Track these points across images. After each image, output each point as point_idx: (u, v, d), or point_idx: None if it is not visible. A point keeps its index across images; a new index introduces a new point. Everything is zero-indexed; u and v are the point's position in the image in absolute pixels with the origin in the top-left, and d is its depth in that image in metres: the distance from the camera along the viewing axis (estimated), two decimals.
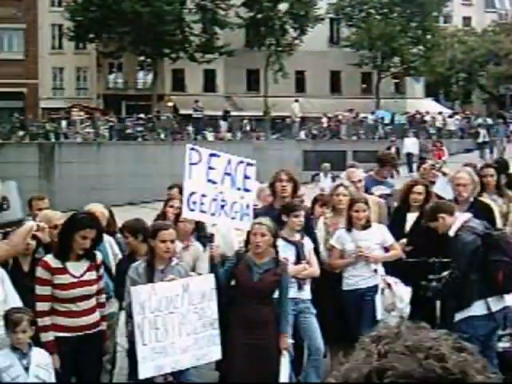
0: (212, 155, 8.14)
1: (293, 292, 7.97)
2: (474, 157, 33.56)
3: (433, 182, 10.46)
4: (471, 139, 46.00)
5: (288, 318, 7.63)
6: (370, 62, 56.45)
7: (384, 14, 55.54)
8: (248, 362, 7.18)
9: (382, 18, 55.13)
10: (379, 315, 8.18)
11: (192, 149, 8.06)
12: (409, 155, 35.83)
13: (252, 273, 7.49)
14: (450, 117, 52.58)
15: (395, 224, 9.13)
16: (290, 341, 7.60)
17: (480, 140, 40.36)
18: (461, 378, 1.21)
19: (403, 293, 8.19)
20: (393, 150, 30.03)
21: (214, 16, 49.68)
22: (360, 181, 10.02)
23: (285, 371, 7.27)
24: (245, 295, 7.37)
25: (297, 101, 47.79)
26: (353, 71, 58.16)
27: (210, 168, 8.08)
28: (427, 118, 50.28)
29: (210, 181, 8.09)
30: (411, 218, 9.10)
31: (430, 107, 56.64)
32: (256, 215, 8.57)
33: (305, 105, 49.81)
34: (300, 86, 59.45)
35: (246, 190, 8.36)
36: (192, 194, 7.96)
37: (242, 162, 8.35)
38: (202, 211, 8.00)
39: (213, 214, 8.09)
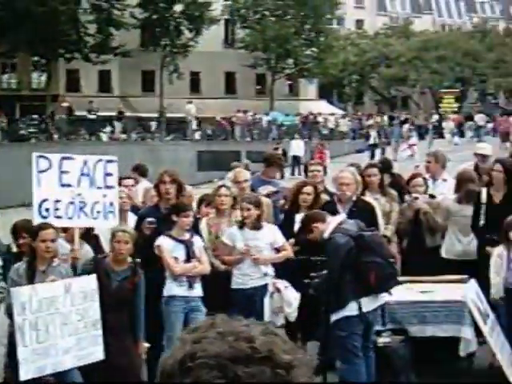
0: (64, 158, 8.13)
1: (183, 290, 8.08)
2: (364, 157, 34.28)
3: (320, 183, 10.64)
4: (362, 140, 47.02)
5: (141, 325, 7.74)
6: (264, 63, 56.72)
7: (278, 16, 55.79)
8: (109, 365, 7.28)
9: (277, 20, 55.39)
10: (266, 317, 8.27)
11: (40, 156, 8.06)
12: (295, 158, 36.04)
13: (110, 279, 7.64)
14: (342, 118, 53.56)
15: (285, 224, 9.22)
16: (146, 345, 7.79)
17: (371, 142, 41.13)
18: (268, 355, 1.35)
19: (292, 298, 8.30)
20: (279, 151, 30.31)
21: (109, 16, 49.02)
22: (246, 181, 10.07)
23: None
24: (105, 301, 7.41)
25: (190, 102, 47.86)
26: (247, 72, 58.46)
27: (63, 172, 8.05)
28: (320, 119, 51.07)
29: (63, 185, 8.06)
30: (300, 218, 9.00)
31: (323, 108, 57.59)
32: (141, 215, 8.78)
33: (200, 106, 49.92)
34: (195, 86, 59.40)
35: (108, 187, 8.36)
36: (43, 201, 7.95)
37: (100, 160, 8.34)
38: (58, 216, 7.96)
39: (70, 218, 8.08)
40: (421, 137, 44.03)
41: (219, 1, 55.28)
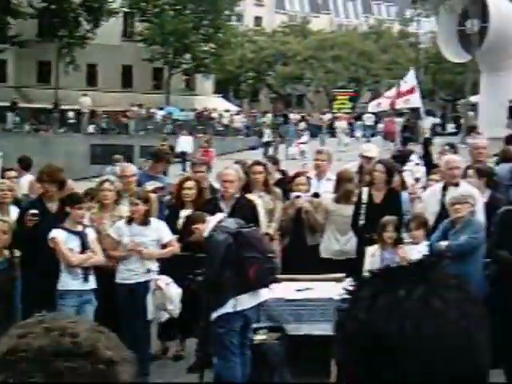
0: None
1: (78, 284, 8.09)
2: (258, 154, 34.47)
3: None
4: (256, 137, 47.36)
5: (17, 317, 7.70)
6: (161, 57, 56.53)
7: (177, 10, 55.58)
8: None
9: (175, 15, 55.15)
10: (150, 314, 8.35)
11: None
12: (183, 153, 35.67)
13: None
14: (237, 114, 53.81)
15: (169, 220, 9.21)
16: None
17: (265, 139, 41.37)
18: (90, 351, 1.37)
19: (174, 294, 8.31)
20: (166, 147, 30.08)
21: (7, 5, 48.04)
22: (133, 175, 10.11)
23: None
24: None
25: (85, 95, 47.32)
26: (144, 66, 58.09)
27: None
28: (214, 115, 51.22)
29: None
30: (185, 214, 9.12)
31: (219, 104, 57.74)
32: (24, 208, 8.73)
33: (96, 98, 49.40)
34: (92, 79, 58.61)
35: None
36: None
37: None
38: None
39: None
40: (314, 136, 44.51)
41: None
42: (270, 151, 37.89)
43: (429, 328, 1.35)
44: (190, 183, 9.51)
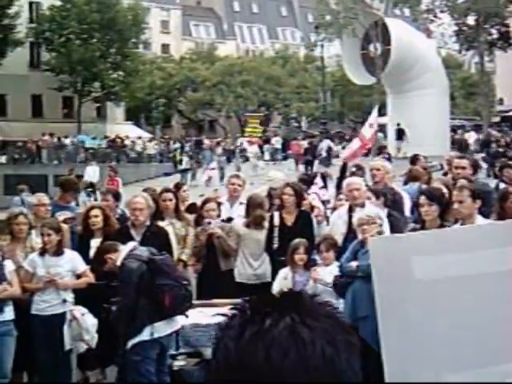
0: None
1: None
2: (173, 180, 34.32)
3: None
4: (170, 163, 47.33)
5: None
6: (70, 86, 56.09)
7: (84, 39, 55.29)
8: None
9: (82, 43, 54.86)
10: (67, 345, 8.26)
11: None
12: (91, 184, 34.36)
13: None
14: (150, 141, 53.74)
15: (80, 250, 9.05)
16: None
17: (183, 166, 41.10)
18: None
19: (90, 325, 8.25)
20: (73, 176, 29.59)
21: None
22: (44, 205, 10.00)
23: None
24: None
25: None
26: (54, 95, 57.57)
27: None
28: (127, 142, 51.07)
29: None
30: (95, 243, 9.13)
31: (131, 132, 57.58)
32: None
33: (6, 129, 48.69)
34: (1, 109, 57.91)
35: None
36: None
37: None
38: None
39: None
40: (228, 160, 44.75)
41: (23, 23, 54.24)
42: (188, 178, 37.87)
43: (294, 356, 1.42)
44: (95, 211, 9.46)
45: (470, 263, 3.84)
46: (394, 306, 3.96)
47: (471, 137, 36.72)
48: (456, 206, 7.69)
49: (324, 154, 40.02)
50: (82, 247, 9.21)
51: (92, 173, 35.78)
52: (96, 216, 9.37)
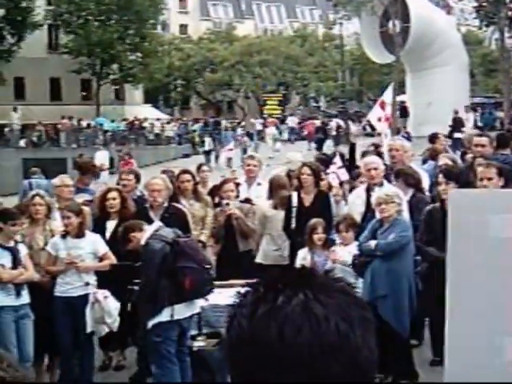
0: None
1: (12, 300, 8.01)
2: (191, 162, 34.22)
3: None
4: (189, 144, 47.36)
5: None
6: (89, 68, 56.15)
7: (102, 21, 55.26)
8: None
9: (100, 25, 54.86)
10: (89, 328, 8.30)
11: None
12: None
13: None
14: (168, 123, 53.77)
15: (96, 232, 9.03)
16: None
17: (206, 148, 40.90)
18: None
19: (112, 308, 8.29)
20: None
21: None
22: (68, 186, 10.02)
23: None
24: None
25: (15, 109, 46.80)
26: (72, 78, 57.57)
27: None
28: (146, 124, 51.11)
29: None
30: (111, 225, 9.18)
31: (149, 113, 57.51)
32: None
33: (25, 112, 48.87)
34: (19, 93, 57.92)
35: None
36: None
37: None
38: None
39: None
40: (251, 139, 44.52)
41: (42, 6, 54.27)
42: (212, 160, 37.64)
43: (308, 333, 1.41)
44: (113, 194, 9.44)
45: None
46: (464, 259, 3.94)
47: (469, 118, 36.25)
48: (485, 182, 7.67)
49: (334, 132, 40.08)
50: (97, 229, 9.21)
51: (102, 157, 35.68)
52: (114, 198, 9.36)
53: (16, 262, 8.19)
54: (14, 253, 8.21)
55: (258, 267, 9.80)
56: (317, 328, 1.42)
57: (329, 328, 1.42)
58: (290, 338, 1.41)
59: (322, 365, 1.42)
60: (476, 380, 3.69)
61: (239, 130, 46.80)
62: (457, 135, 27.89)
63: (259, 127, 48.00)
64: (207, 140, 41.36)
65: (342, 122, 41.88)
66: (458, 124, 33.47)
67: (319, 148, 37.35)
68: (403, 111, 41.69)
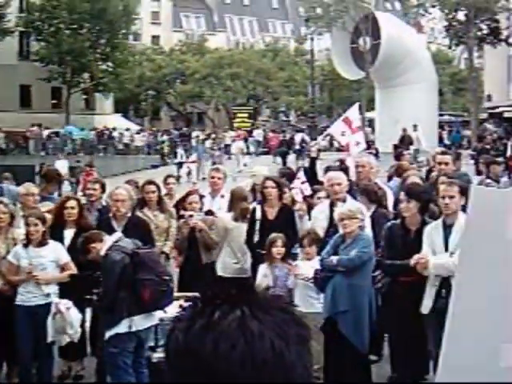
0: None
1: None
2: (161, 173, 33.88)
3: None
4: (158, 155, 47.21)
5: None
6: (59, 76, 55.95)
7: (73, 29, 55.09)
8: None
9: (72, 34, 54.72)
10: (50, 337, 8.24)
11: None
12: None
13: None
14: (138, 133, 53.64)
15: (55, 240, 8.83)
16: None
17: (178, 160, 40.38)
18: None
19: (74, 319, 8.24)
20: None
21: None
22: (33, 194, 9.96)
23: None
24: None
25: None
26: (43, 86, 57.41)
27: None
28: (115, 133, 50.96)
29: None
30: (69, 234, 9.10)
31: (119, 123, 57.41)
32: None
33: None
34: None
35: None
36: None
37: None
38: None
39: None
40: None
41: (13, 12, 54.02)
42: (182, 172, 37.31)
43: (242, 348, 1.43)
44: (71, 202, 9.34)
45: None
46: (475, 257, 3.92)
47: (418, 136, 36.61)
48: (447, 201, 7.73)
49: (297, 146, 40.24)
50: (54, 237, 9.00)
51: (60, 167, 35.21)
52: (72, 207, 9.26)
53: None
54: None
55: (220, 280, 9.79)
56: (251, 344, 1.44)
57: (263, 344, 1.44)
58: (224, 353, 1.43)
59: (255, 380, 1.43)
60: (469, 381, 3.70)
61: (208, 143, 46.58)
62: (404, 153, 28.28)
63: (228, 141, 47.61)
64: (180, 152, 41.11)
65: (306, 137, 41.99)
66: (405, 142, 34.03)
67: (284, 162, 37.50)
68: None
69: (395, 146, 32.45)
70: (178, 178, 32.98)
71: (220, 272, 10.00)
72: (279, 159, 39.61)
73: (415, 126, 36.65)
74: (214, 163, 36.49)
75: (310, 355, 1.54)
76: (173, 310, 7.93)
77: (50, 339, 8.30)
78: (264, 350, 1.44)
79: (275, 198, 9.89)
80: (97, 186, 10.75)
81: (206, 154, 39.48)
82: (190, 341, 1.47)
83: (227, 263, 10.03)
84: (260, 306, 1.50)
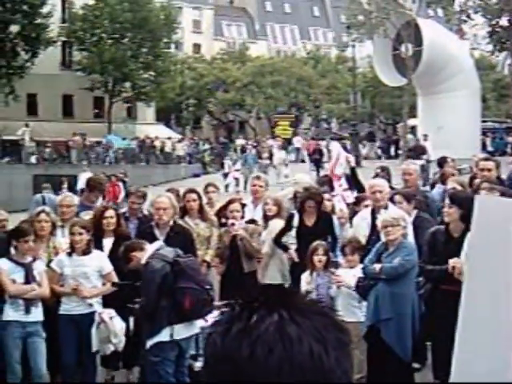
0: None
1: (19, 315, 8.04)
2: (201, 181, 33.76)
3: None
4: (199, 164, 47.35)
5: None
6: (101, 86, 56.41)
7: (115, 38, 55.55)
8: None
9: (113, 43, 55.17)
10: (95, 347, 8.30)
11: None
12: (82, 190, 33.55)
13: None
14: (179, 142, 53.82)
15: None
16: None
17: (225, 170, 39.59)
18: None
19: (118, 328, 8.30)
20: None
21: None
22: (72, 205, 10.02)
23: None
24: None
25: (27, 125, 46.98)
26: (85, 95, 57.91)
27: None
28: (157, 143, 51.18)
29: None
30: (107, 243, 9.17)
31: (161, 132, 57.64)
32: None
33: (37, 129, 49.02)
34: (32, 109, 58.23)
35: None
36: None
37: None
38: None
39: None
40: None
41: (56, 22, 54.60)
42: (228, 181, 36.90)
43: (280, 353, 1.41)
44: (110, 212, 9.43)
45: None
46: (483, 268, 3.86)
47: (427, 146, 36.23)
48: None
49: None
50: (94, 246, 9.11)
51: (85, 179, 34.82)
52: (111, 217, 9.35)
53: (29, 278, 8.20)
54: (27, 269, 8.23)
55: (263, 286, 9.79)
56: (289, 348, 1.42)
57: (301, 349, 1.42)
58: (261, 358, 1.41)
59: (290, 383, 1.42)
60: None
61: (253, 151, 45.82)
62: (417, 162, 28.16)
63: (275, 150, 46.33)
64: (227, 162, 40.70)
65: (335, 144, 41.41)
66: (418, 151, 33.82)
67: (317, 169, 37.32)
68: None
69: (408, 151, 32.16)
70: (226, 187, 33.03)
71: (268, 280, 10.04)
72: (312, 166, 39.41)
73: (425, 136, 36.49)
74: (264, 173, 35.86)
75: (350, 360, 1.52)
76: (213, 319, 7.88)
77: (94, 349, 8.36)
78: (302, 355, 1.42)
79: (314, 210, 9.93)
80: (141, 200, 10.79)
81: (255, 164, 38.80)
82: (227, 345, 1.45)
83: (276, 271, 10.14)
84: (299, 310, 1.48)
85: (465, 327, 3.90)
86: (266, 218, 10.32)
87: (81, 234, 8.47)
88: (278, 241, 10.02)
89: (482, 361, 3.73)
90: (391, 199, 9.62)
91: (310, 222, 9.91)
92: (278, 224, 10.10)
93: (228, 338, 1.46)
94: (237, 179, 35.49)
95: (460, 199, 8.18)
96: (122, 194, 27.05)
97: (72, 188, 31.27)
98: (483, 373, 3.69)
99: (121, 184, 28.01)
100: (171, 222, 9.34)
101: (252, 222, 10.41)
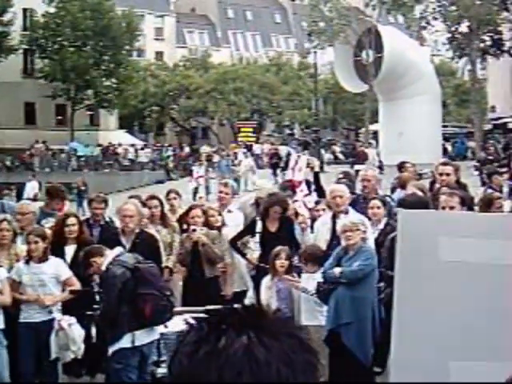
0: None
1: None
2: (165, 188, 33.32)
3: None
4: (162, 171, 47.21)
5: None
6: (63, 93, 56.10)
7: (77, 46, 55.19)
8: None
9: (75, 51, 54.80)
10: (53, 354, 8.26)
11: None
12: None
13: None
14: (142, 149, 53.72)
15: (57, 257, 8.86)
16: None
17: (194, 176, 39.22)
18: None
19: (76, 336, 8.25)
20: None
21: None
22: (30, 213, 9.96)
23: None
24: None
25: None
26: (47, 103, 57.59)
27: None
28: (119, 150, 51.05)
29: None
30: (69, 250, 9.13)
31: (124, 139, 57.53)
32: None
33: None
34: None
35: None
36: None
37: None
38: None
39: None
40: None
41: (17, 30, 54.27)
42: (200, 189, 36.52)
43: (248, 377, 1.41)
44: (72, 219, 9.38)
45: (489, 251, 3.82)
46: (412, 281, 3.94)
47: (371, 153, 36.61)
48: (448, 211, 7.73)
49: (284, 159, 40.07)
50: (55, 254, 9.02)
51: (30, 189, 34.45)
52: (73, 224, 9.31)
53: None
54: None
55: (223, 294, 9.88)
56: (257, 372, 1.41)
57: (270, 373, 1.41)
58: (229, 381, 1.40)
59: None
60: None
61: (216, 158, 45.79)
62: (357, 167, 28.60)
63: (241, 157, 45.86)
64: (195, 169, 40.23)
65: (292, 150, 41.47)
66: (360, 156, 34.30)
67: (274, 173, 37.54)
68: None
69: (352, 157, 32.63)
70: (194, 194, 32.71)
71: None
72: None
73: (369, 143, 36.97)
74: (235, 179, 35.61)
75: (318, 381, 1.51)
76: (174, 324, 7.95)
77: (53, 356, 8.31)
78: (270, 379, 1.41)
79: (278, 216, 9.96)
80: (103, 204, 10.66)
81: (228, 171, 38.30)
82: (194, 367, 1.44)
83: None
84: (267, 332, 1.46)
85: (398, 328, 4.01)
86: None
87: (36, 242, 8.43)
88: (233, 244, 10.10)
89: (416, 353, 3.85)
90: (352, 204, 9.72)
91: (273, 227, 9.93)
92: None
93: (195, 361, 1.44)
94: (199, 186, 35.21)
95: (409, 204, 8.25)
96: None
97: (20, 196, 30.82)
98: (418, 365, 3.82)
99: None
100: (137, 230, 9.36)
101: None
